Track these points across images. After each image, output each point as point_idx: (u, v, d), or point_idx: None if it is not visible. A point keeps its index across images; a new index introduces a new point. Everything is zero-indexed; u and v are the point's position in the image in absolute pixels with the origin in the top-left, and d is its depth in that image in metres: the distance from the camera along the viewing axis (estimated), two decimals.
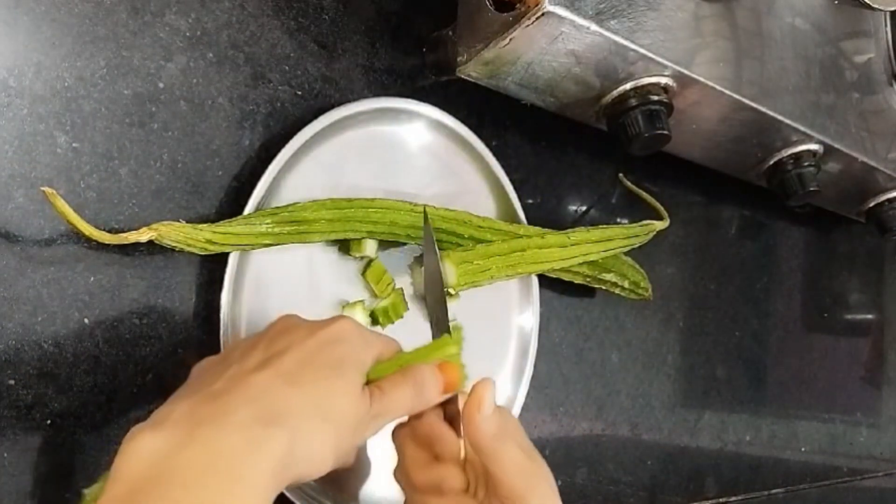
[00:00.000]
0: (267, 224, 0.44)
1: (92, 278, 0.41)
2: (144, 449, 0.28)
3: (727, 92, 0.53)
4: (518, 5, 0.44)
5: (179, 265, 0.44)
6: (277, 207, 0.45)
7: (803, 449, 0.85)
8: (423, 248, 0.52)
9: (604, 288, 0.60)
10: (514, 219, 0.56)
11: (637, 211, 0.65)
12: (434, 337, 0.42)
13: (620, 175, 0.66)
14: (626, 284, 0.60)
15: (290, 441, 0.29)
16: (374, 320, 0.49)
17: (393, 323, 0.50)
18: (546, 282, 0.58)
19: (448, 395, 0.37)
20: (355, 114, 0.49)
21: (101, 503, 0.27)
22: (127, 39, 0.43)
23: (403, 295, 0.51)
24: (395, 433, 0.39)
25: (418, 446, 0.38)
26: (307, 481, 0.32)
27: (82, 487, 0.40)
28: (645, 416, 0.69)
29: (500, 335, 0.57)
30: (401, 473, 0.39)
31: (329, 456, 0.31)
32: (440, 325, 0.42)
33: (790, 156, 0.63)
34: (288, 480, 0.30)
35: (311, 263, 0.48)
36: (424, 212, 0.47)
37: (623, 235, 0.58)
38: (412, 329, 0.50)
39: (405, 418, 0.39)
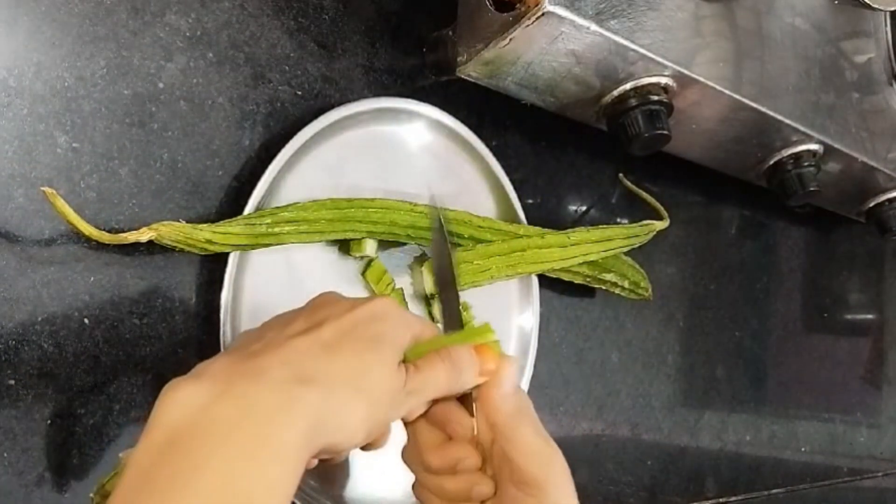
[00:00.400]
0: (267, 224, 0.44)
1: (92, 278, 0.41)
2: (182, 399, 0.28)
3: (727, 92, 0.53)
4: (518, 5, 0.44)
5: (179, 265, 0.44)
6: (277, 207, 0.45)
7: (803, 449, 0.85)
8: (423, 248, 0.52)
9: (604, 288, 0.60)
10: (514, 219, 0.56)
11: (637, 211, 0.65)
12: (446, 329, 0.42)
13: (620, 175, 0.66)
14: (626, 284, 0.60)
15: (321, 405, 0.29)
16: None
17: None
18: (546, 282, 0.58)
19: (483, 380, 0.37)
20: (355, 114, 0.49)
21: (139, 448, 0.27)
22: (127, 39, 0.43)
23: (403, 295, 0.51)
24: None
25: (432, 427, 0.38)
26: (340, 452, 0.32)
27: (82, 487, 0.40)
28: (645, 416, 0.69)
29: (500, 335, 0.56)
30: (412, 455, 0.39)
31: (360, 426, 0.31)
32: (453, 317, 0.41)
33: (790, 156, 0.63)
34: (319, 446, 0.30)
35: (312, 263, 0.48)
36: (433, 200, 0.46)
37: (623, 235, 0.58)
38: None
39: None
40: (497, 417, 0.36)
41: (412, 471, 0.39)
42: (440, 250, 0.43)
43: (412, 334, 0.36)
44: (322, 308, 0.34)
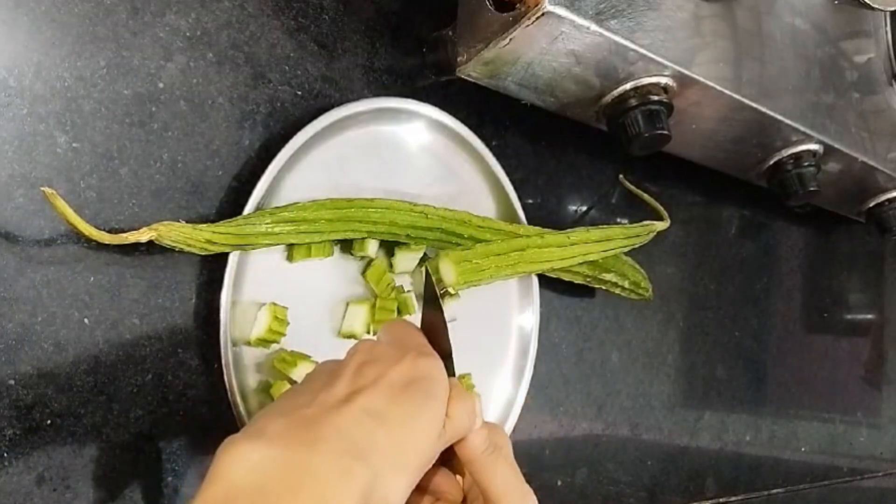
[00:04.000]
0: (267, 224, 0.44)
1: (92, 278, 0.41)
2: (243, 458, 0.29)
3: (727, 92, 0.53)
4: (518, 5, 0.45)
5: (179, 265, 0.44)
6: (277, 207, 0.45)
7: (803, 449, 0.85)
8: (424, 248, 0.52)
9: (604, 288, 0.60)
10: (514, 219, 0.56)
11: (637, 211, 0.65)
12: None
13: (621, 176, 0.66)
14: (626, 284, 0.60)
15: (372, 479, 0.30)
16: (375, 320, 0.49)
17: None
18: (546, 282, 0.58)
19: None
20: (355, 114, 0.49)
21: (198, 501, 0.28)
22: (127, 39, 0.43)
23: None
24: None
25: (419, 493, 0.38)
26: None
27: (82, 487, 0.40)
28: (645, 416, 0.69)
29: (500, 335, 0.57)
30: None
31: (402, 496, 0.32)
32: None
33: (790, 156, 0.63)
34: None
35: (312, 263, 0.48)
36: (426, 270, 0.45)
37: (623, 235, 0.58)
38: None
39: None
40: (471, 454, 0.36)
41: None
42: (431, 315, 0.42)
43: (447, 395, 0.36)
44: (366, 368, 0.34)
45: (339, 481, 0.29)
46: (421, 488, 0.37)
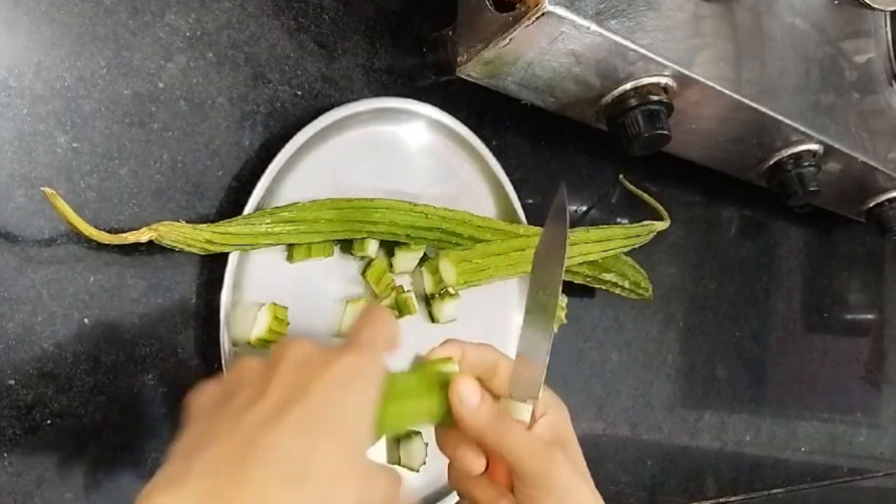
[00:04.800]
0: (267, 224, 0.44)
1: (92, 278, 0.41)
2: None
3: (727, 92, 0.53)
4: (518, 5, 0.45)
5: (179, 265, 0.44)
6: (277, 207, 0.45)
7: (803, 449, 0.85)
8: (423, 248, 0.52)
9: (604, 288, 0.60)
10: (514, 219, 0.56)
11: (637, 211, 0.65)
12: (528, 314, 0.38)
13: (621, 176, 0.66)
14: (626, 284, 0.60)
15: (325, 494, 0.26)
16: None
17: None
18: None
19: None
20: (355, 114, 0.49)
21: None
22: (127, 39, 0.43)
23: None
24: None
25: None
26: None
27: (82, 488, 0.40)
28: (645, 416, 0.69)
29: (500, 335, 0.57)
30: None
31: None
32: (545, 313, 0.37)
33: (790, 156, 0.63)
34: None
35: (311, 263, 0.48)
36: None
37: (623, 235, 0.58)
38: (413, 329, 0.50)
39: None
40: (477, 432, 0.35)
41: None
42: (554, 236, 0.36)
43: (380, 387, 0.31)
44: (291, 372, 0.29)
45: None
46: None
